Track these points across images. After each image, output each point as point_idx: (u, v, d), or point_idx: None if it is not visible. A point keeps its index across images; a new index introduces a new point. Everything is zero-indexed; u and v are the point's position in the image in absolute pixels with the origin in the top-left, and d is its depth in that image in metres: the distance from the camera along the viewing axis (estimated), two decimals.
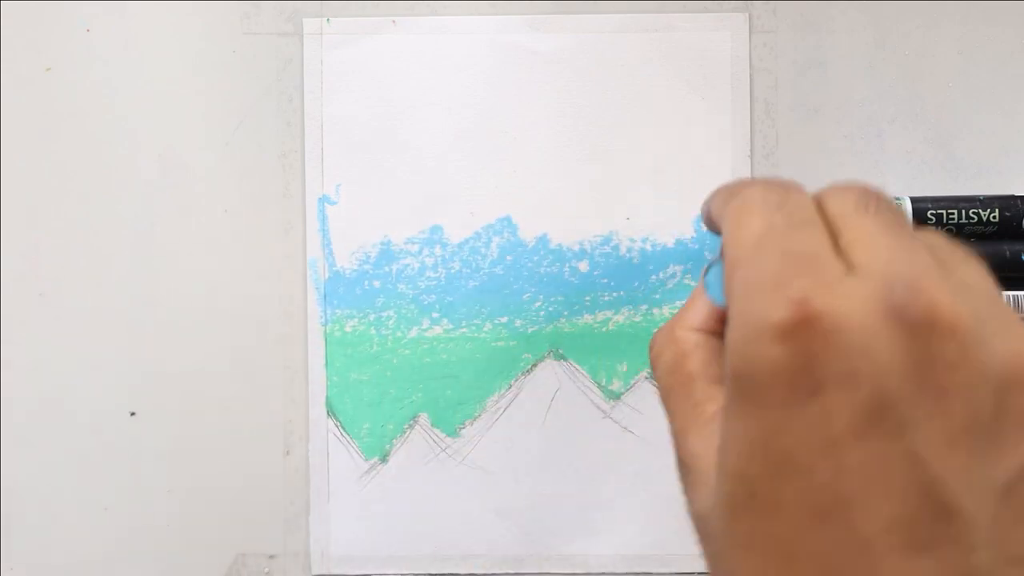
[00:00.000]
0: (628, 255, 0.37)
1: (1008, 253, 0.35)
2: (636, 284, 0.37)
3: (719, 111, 0.37)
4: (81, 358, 0.37)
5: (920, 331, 0.18)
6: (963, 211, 0.35)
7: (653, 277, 0.37)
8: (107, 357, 0.37)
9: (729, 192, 0.23)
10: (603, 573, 0.37)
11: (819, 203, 0.22)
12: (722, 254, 0.22)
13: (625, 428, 0.37)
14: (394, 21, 0.37)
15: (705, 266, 0.25)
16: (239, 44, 0.38)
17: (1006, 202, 0.36)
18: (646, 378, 0.37)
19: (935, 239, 0.21)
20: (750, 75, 0.37)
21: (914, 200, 0.36)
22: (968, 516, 0.18)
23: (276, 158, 0.37)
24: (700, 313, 0.24)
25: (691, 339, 0.24)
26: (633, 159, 0.37)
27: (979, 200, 0.36)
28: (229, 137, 0.37)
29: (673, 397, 0.23)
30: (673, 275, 0.37)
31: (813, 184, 0.37)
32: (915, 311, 0.18)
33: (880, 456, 0.18)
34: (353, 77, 0.37)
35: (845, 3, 0.37)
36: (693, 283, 0.37)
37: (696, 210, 0.37)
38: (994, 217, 0.35)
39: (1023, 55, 0.37)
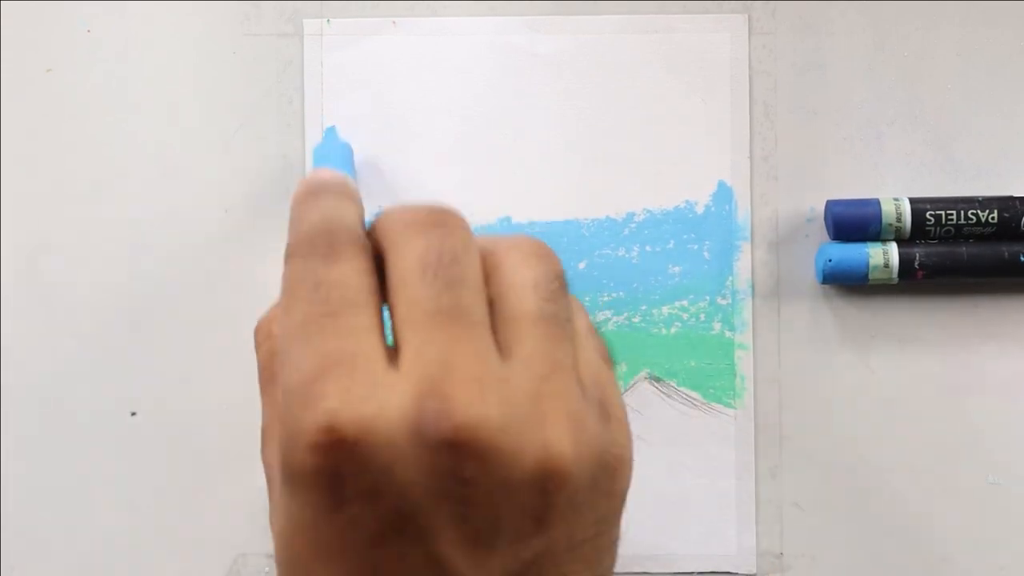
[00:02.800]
0: (628, 255, 0.37)
1: (1007, 254, 0.36)
2: (636, 284, 0.37)
3: (718, 113, 0.37)
4: (81, 358, 0.37)
5: (443, 450, 0.18)
6: (962, 212, 0.36)
7: (653, 277, 0.37)
8: (107, 357, 0.37)
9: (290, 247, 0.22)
10: None
11: (378, 246, 0.21)
12: None
13: None
14: (394, 22, 0.37)
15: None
16: (239, 45, 0.38)
17: (1005, 203, 0.36)
18: (646, 378, 0.37)
19: (520, 285, 0.21)
20: (749, 77, 0.37)
21: (913, 201, 0.36)
22: None
23: (276, 159, 0.37)
24: None
25: None
26: (633, 160, 0.37)
27: (978, 201, 0.36)
28: (229, 138, 0.37)
29: (262, 395, 0.23)
30: (673, 276, 0.37)
31: (813, 185, 0.37)
32: (440, 431, 0.18)
33: (404, 557, 0.19)
34: (353, 78, 0.37)
35: (844, 5, 0.37)
36: (692, 283, 0.37)
37: (694, 210, 0.37)
38: (993, 218, 0.36)
39: (1022, 56, 0.37)
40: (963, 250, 0.36)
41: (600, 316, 0.37)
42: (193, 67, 0.38)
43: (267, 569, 0.37)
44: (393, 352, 0.20)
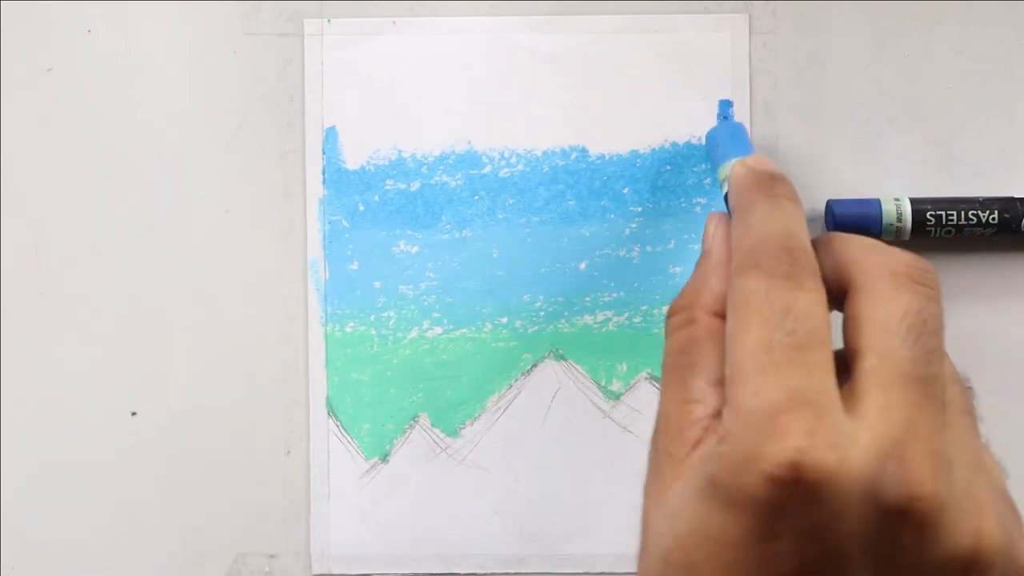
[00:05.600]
0: (628, 255, 0.37)
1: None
2: (636, 284, 0.37)
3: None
4: (81, 358, 0.37)
5: (891, 513, 0.19)
6: (962, 212, 0.36)
7: (653, 277, 0.37)
8: (107, 357, 0.37)
9: (740, 216, 0.22)
10: (603, 573, 0.37)
11: (853, 288, 0.21)
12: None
13: (625, 428, 0.37)
14: (395, 22, 0.37)
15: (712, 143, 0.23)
16: (239, 44, 0.38)
17: (1005, 204, 0.36)
18: (646, 378, 0.37)
19: (953, 388, 0.22)
20: (750, 76, 0.37)
21: (913, 201, 0.36)
22: None
23: (276, 158, 0.37)
24: (717, 292, 0.24)
25: (705, 326, 0.23)
26: (632, 160, 0.37)
27: (978, 201, 0.36)
28: (229, 137, 0.37)
29: (670, 380, 0.23)
30: (673, 276, 0.37)
31: (813, 185, 0.37)
32: (894, 497, 0.19)
33: None
34: (354, 78, 0.37)
35: (844, 4, 0.37)
36: None
37: (694, 210, 0.37)
38: (993, 219, 0.36)
39: (1022, 56, 0.37)
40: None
41: (600, 316, 0.37)
42: (193, 67, 0.37)
43: (267, 569, 0.37)
44: (846, 395, 0.20)
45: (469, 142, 0.37)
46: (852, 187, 0.37)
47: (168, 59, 0.37)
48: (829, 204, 0.36)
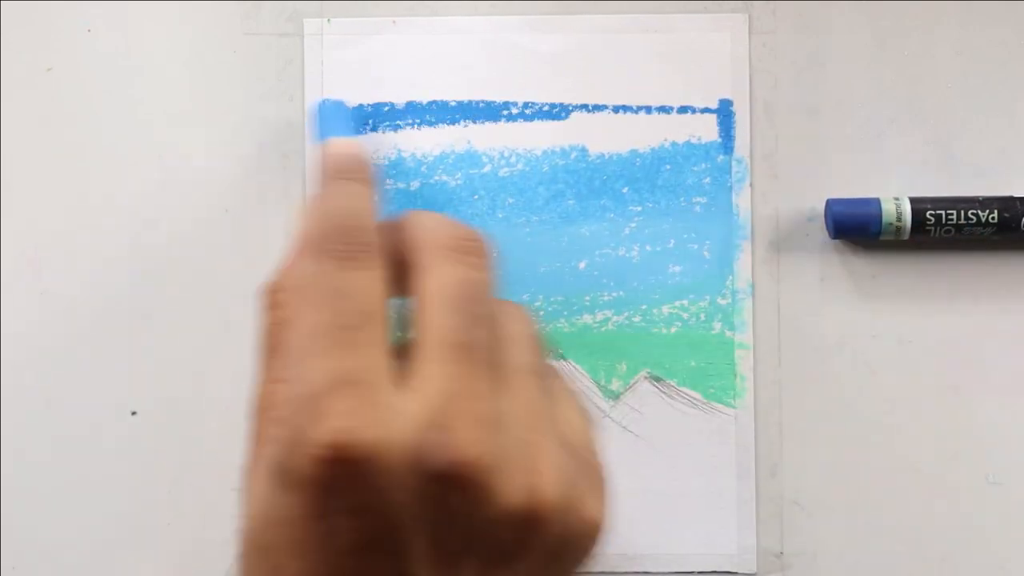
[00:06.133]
0: (628, 255, 0.37)
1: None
2: (636, 284, 0.37)
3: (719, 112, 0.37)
4: (81, 358, 0.37)
5: (438, 480, 0.19)
6: (962, 212, 0.36)
7: (653, 277, 0.37)
8: (107, 357, 0.37)
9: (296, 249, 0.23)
10: (603, 572, 0.37)
11: (401, 248, 0.22)
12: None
13: (625, 428, 0.37)
14: (394, 22, 0.37)
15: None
16: (239, 44, 0.38)
17: (1005, 203, 0.36)
18: (646, 378, 0.37)
19: (516, 350, 0.22)
20: (750, 75, 0.37)
21: (913, 200, 0.36)
22: None
23: (276, 158, 0.37)
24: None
25: (288, 307, 0.23)
26: (632, 160, 0.37)
27: (978, 201, 0.36)
28: (229, 137, 0.37)
29: (259, 360, 0.23)
30: (673, 275, 0.37)
31: (813, 185, 0.37)
32: (438, 464, 0.19)
33: (373, 569, 0.20)
34: (354, 78, 0.37)
35: (844, 4, 0.37)
36: (692, 283, 0.37)
37: (694, 209, 0.37)
38: (993, 218, 0.36)
39: (1022, 56, 0.37)
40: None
41: (600, 316, 0.37)
42: (193, 67, 0.37)
43: None
44: (399, 362, 0.21)
45: (469, 141, 0.37)
46: (852, 187, 0.37)
47: (168, 59, 0.37)
48: (829, 204, 0.36)
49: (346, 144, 0.25)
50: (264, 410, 0.22)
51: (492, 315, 0.22)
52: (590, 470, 0.23)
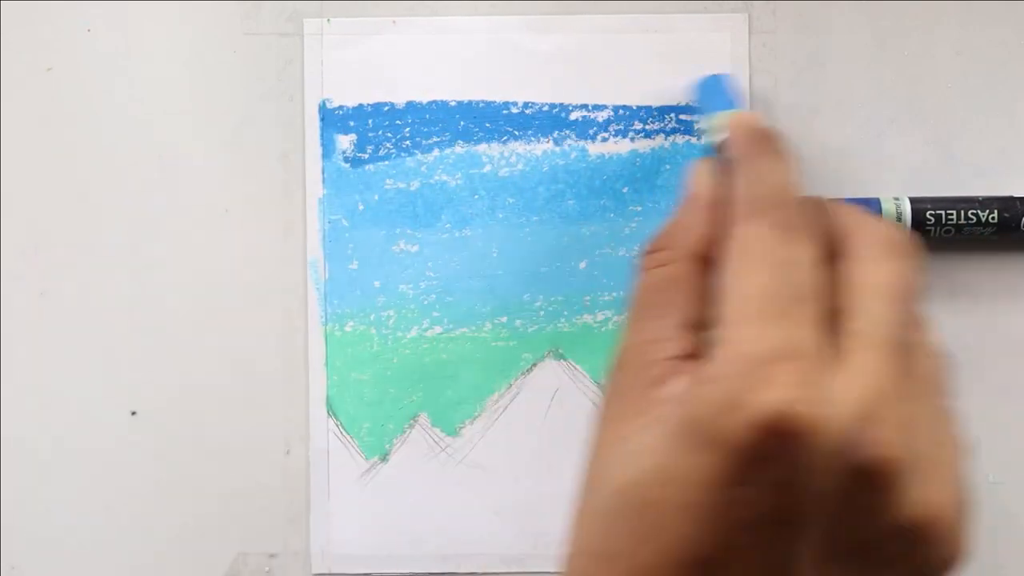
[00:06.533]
0: (628, 255, 0.37)
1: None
2: None
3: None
4: (81, 358, 0.37)
5: (859, 472, 0.19)
6: (962, 212, 0.36)
7: None
8: (107, 357, 0.37)
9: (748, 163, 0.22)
10: None
11: (845, 252, 0.22)
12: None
13: None
14: (394, 21, 0.37)
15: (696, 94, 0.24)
16: (239, 44, 0.38)
17: (1005, 203, 0.36)
18: None
19: (928, 358, 0.22)
20: (749, 75, 0.37)
21: (913, 200, 0.36)
22: None
23: (276, 158, 0.37)
24: (702, 236, 0.23)
25: (685, 267, 0.23)
26: (632, 160, 0.37)
27: (978, 201, 0.36)
28: (229, 137, 0.37)
29: (641, 316, 0.23)
30: None
31: (813, 184, 0.37)
32: (865, 456, 0.19)
33: (764, 544, 0.20)
34: (354, 78, 0.37)
35: (844, 4, 0.37)
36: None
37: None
38: (993, 218, 0.36)
39: (1022, 56, 0.37)
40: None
41: (600, 316, 0.37)
42: (193, 66, 0.38)
43: (267, 569, 0.37)
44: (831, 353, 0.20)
45: (469, 141, 0.37)
46: (852, 187, 0.37)
47: (168, 59, 0.38)
48: None
49: (754, 117, 0.25)
50: (643, 366, 0.22)
51: (919, 321, 0.22)
52: (969, 496, 0.22)
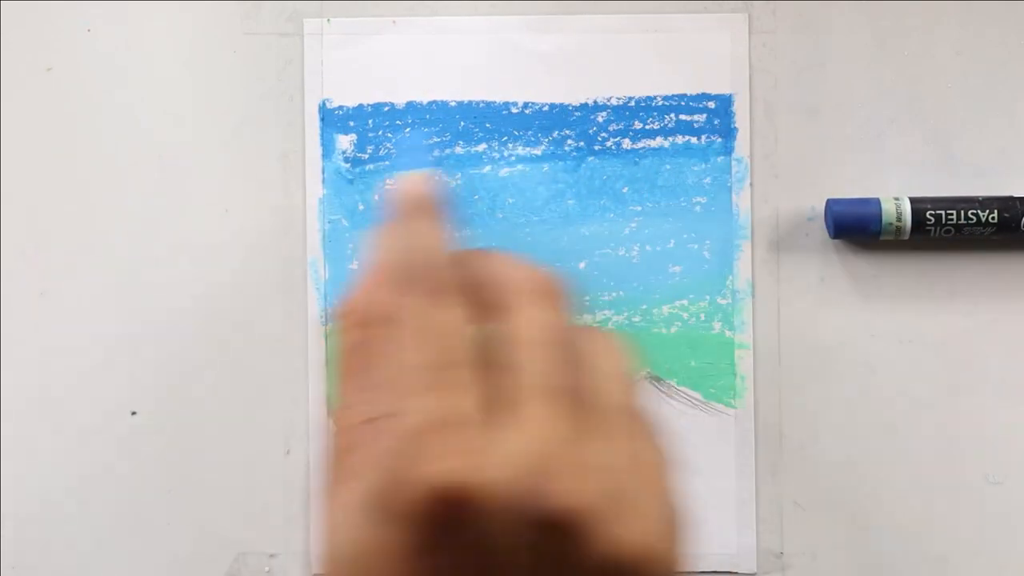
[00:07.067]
0: (628, 255, 0.37)
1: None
2: (636, 284, 0.37)
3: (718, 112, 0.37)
4: (81, 358, 0.37)
5: (543, 527, 0.20)
6: (962, 212, 0.36)
7: (653, 277, 0.37)
8: (107, 357, 0.37)
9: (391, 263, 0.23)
10: None
11: (496, 305, 0.22)
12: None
13: None
14: (394, 21, 0.37)
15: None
16: (239, 44, 0.38)
17: (1005, 203, 0.36)
18: (646, 378, 0.37)
19: (608, 387, 0.22)
20: (749, 75, 0.37)
21: (913, 200, 0.36)
22: None
23: (276, 158, 0.37)
24: (383, 303, 0.23)
25: (373, 332, 0.23)
26: (632, 160, 0.37)
27: (978, 201, 0.36)
28: (229, 137, 0.37)
29: (342, 379, 0.24)
30: (673, 275, 0.37)
31: (813, 185, 0.37)
32: (543, 510, 0.20)
33: None
34: (353, 78, 0.37)
35: (844, 4, 0.37)
36: (692, 283, 0.37)
37: (694, 210, 0.37)
38: (993, 218, 0.36)
39: (1022, 56, 0.37)
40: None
41: (600, 316, 0.37)
42: (193, 66, 0.38)
43: (267, 569, 0.37)
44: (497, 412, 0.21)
45: (468, 142, 0.37)
46: (852, 187, 0.37)
47: (168, 59, 0.38)
48: (829, 204, 0.36)
49: (416, 180, 0.25)
50: (343, 431, 0.22)
51: (582, 356, 0.22)
52: (676, 518, 0.23)
